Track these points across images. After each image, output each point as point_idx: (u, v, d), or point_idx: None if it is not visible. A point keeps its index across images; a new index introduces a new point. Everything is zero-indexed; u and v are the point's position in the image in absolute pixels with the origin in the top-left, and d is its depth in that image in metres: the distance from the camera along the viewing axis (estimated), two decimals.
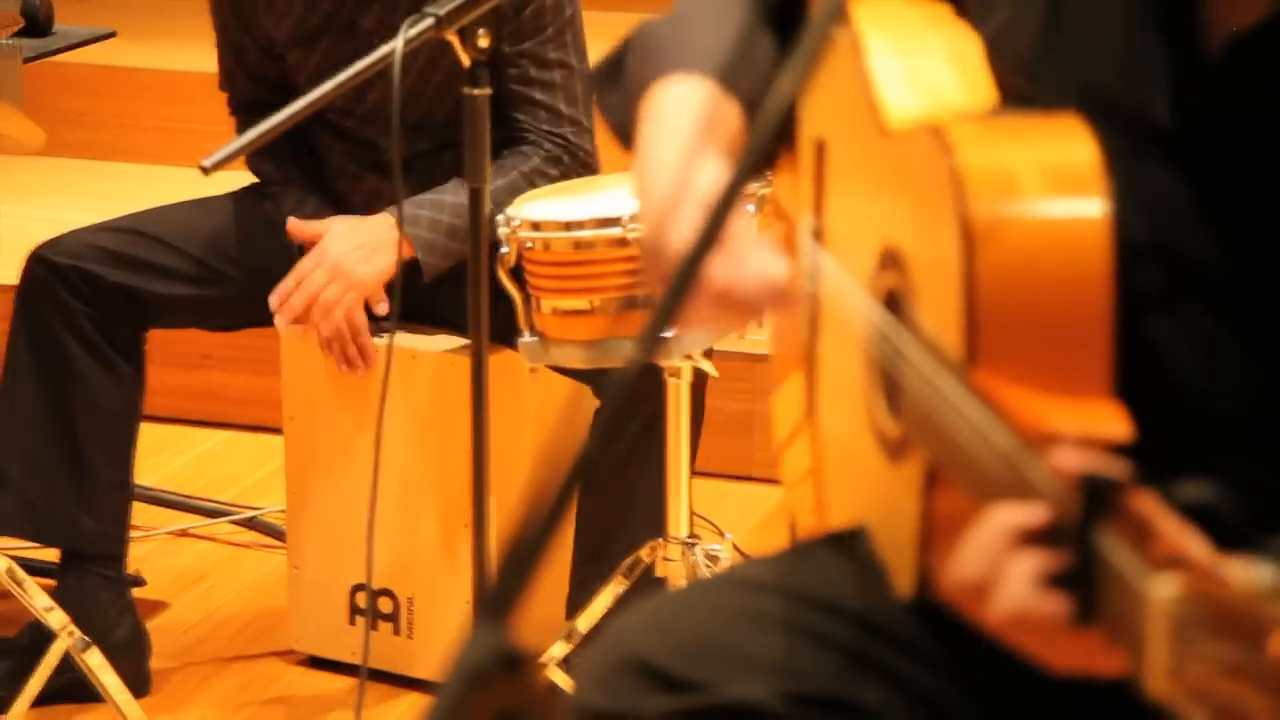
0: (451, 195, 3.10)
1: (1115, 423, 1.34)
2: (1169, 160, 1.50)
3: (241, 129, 3.28)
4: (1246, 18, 1.46)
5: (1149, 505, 1.18)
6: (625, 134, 1.78)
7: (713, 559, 2.93)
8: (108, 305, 3.15)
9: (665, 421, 2.91)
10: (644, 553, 2.94)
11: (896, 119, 1.56)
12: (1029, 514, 1.26)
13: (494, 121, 2.67)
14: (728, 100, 1.71)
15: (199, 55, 4.76)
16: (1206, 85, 1.49)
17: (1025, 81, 1.57)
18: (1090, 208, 1.42)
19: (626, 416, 3.05)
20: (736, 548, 3.10)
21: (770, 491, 3.93)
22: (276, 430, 4.07)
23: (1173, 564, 1.15)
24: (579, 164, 3.18)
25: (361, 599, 3.30)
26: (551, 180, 3.13)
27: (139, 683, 3.20)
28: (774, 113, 1.29)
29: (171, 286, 3.19)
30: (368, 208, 3.19)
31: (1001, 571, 1.26)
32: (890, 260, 1.58)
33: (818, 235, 1.75)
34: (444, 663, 1.17)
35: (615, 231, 2.73)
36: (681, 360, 2.81)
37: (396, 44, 2.56)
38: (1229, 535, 1.16)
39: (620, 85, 1.80)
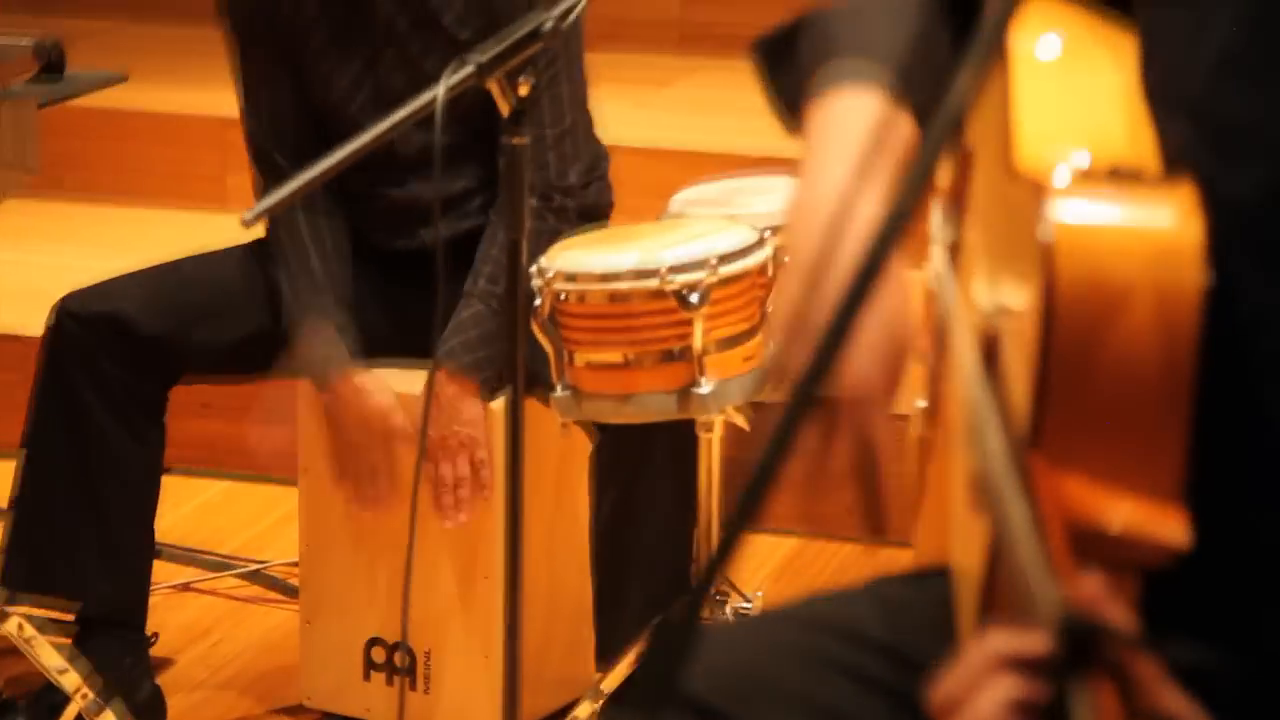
0: (467, 310, 3.05)
1: (1174, 527, 1.30)
2: None
3: (261, 181, 3.22)
4: None
5: (1138, 661, 1.14)
6: (792, 118, 1.70)
7: (743, 615, 2.88)
8: (139, 359, 3.09)
9: (695, 473, 2.87)
10: (676, 609, 2.88)
11: (1026, 155, 1.48)
12: (1020, 642, 1.21)
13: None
14: (899, 112, 1.62)
15: (205, 98, 4.75)
16: None
17: (1184, 119, 1.48)
18: (1183, 294, 1.36)
19: (642, 463, 3.02)
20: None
21: (781, 542, 3.90)
22: (279, 481, 4.06)
23: None
24: (564, 225, 3.12)
25: (378, 654, 3.24)
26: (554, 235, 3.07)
27: None
28: (942, 130, 1.23)
29: (213, 331, 3.13)
30: (387, 220, 3.17)
31: (976, 692, 1.21)
32: (1002, 309, 1.52)
33: (953, 250, 1.70)
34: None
35: (652, 283, 2.69)
36: (718, 414, 2.77)
37: (438, 91, 2.50)
38: (1225, 703, 1.14)
39: (792, 66, 1.71)
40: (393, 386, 3.11)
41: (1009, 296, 1.50)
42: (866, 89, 1.61)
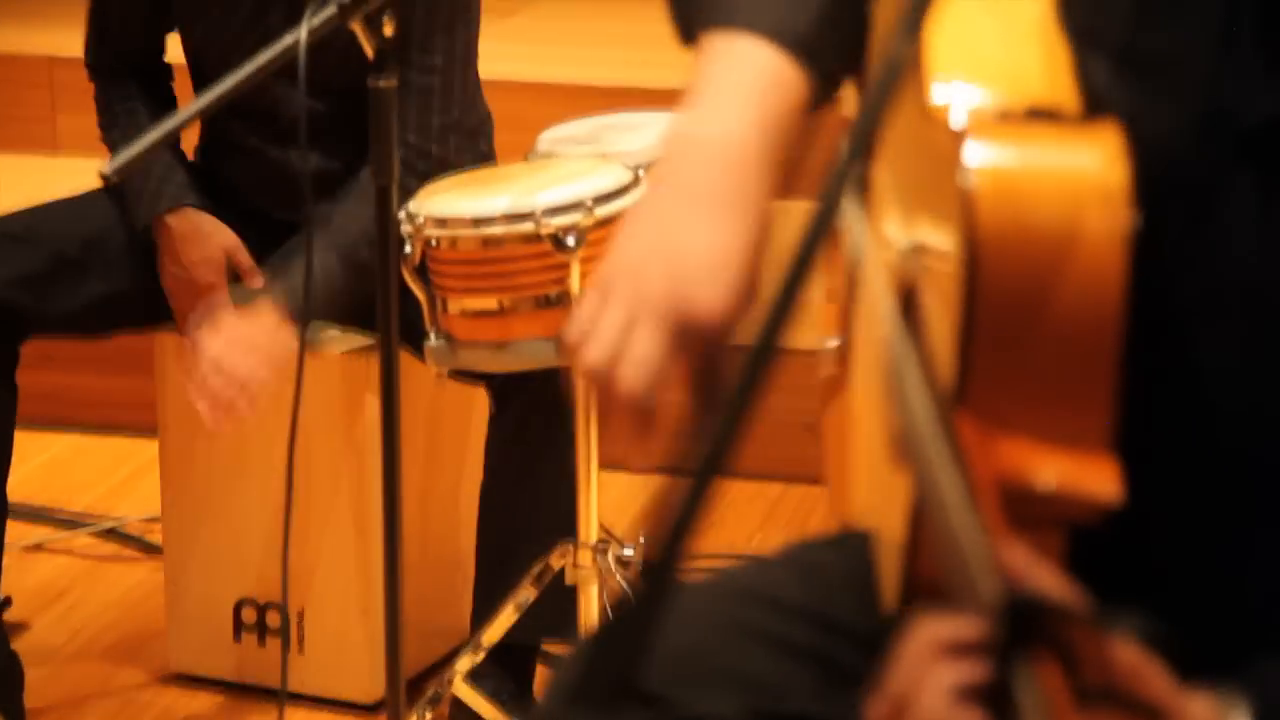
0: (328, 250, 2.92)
1: (1106, 482, 1.28)
2: (1235, 160, 1.40)
3: (101, 93, 3.14)
4: None
5: (1083, 635, 1.12)
6: (688, 33, 1.62)
7: (624, 563, 2.83)
8: None
9: (560, 421, 2.81)
10: (553, 559, 2.82)
11: (940, 95, 1.41)
12: (954, 627, 1.19)
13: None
14: (798, 71, 1.55)
15: (32, 38, 4.59)
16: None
17: (1104, 55, 1.44)
18: (1105, 234, 1.33)
19: (529, 419, 2.94)
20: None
21: (644, 482, 3.84)
22: (128, 433, 3.95)
23: (1095, 700, 1.10)
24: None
25: (248, 614, 3.15)
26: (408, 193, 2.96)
27: (15, 716, 3.03)
28: (885, 86, 1.18)
29: (68, 291, 3.01)
30: (266, 186, 3.07)
31: (919, 689, 1.19)
32: (915, 252, 1.48)
33: (863, 190, 1.64)
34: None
35: (527, 227, 2.60)
36: None
37: (300, 33, 2.41)
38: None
39: None
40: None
41: (927, 234, 1.46)
42: (767, 41, 1.55)
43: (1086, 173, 1.35)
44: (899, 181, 1.56)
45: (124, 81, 3.14)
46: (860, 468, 1.67)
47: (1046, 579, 1.17)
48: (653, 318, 1.46)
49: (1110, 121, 1.37)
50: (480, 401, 3.26)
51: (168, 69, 3.21)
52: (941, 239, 1.41)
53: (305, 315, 2.63)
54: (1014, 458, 1.29)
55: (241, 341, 2.87)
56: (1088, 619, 1.12)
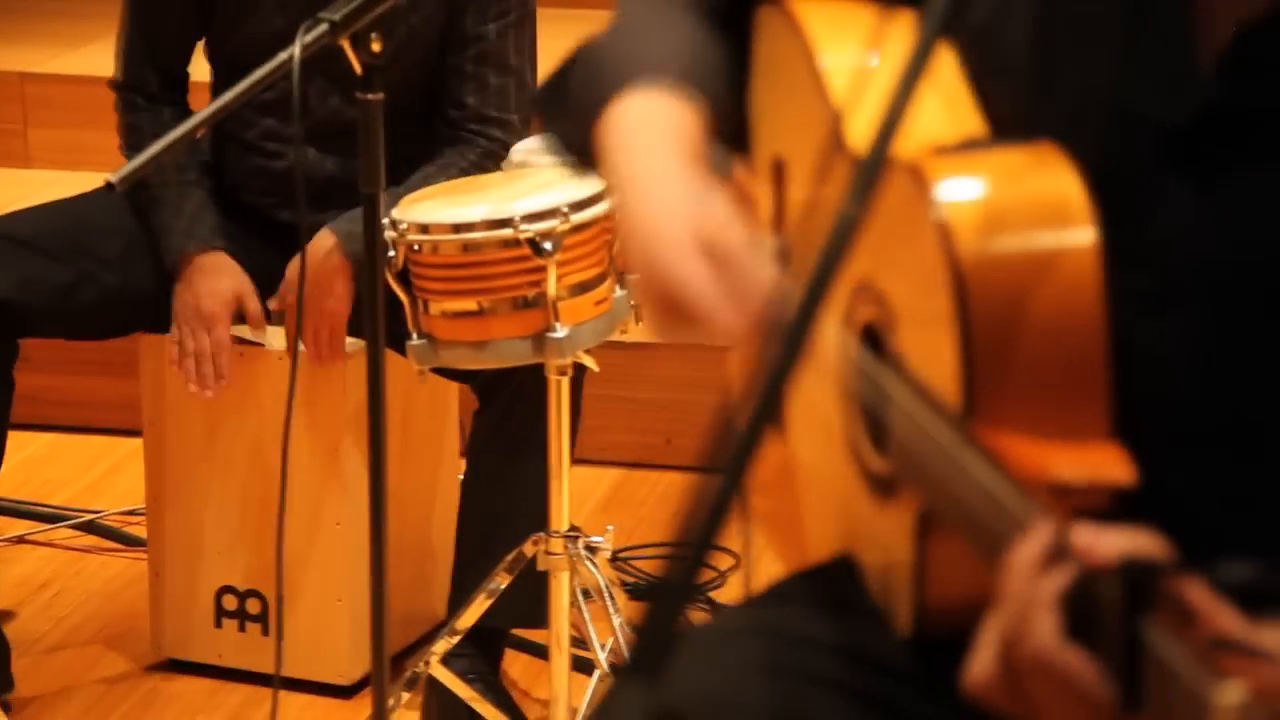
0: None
1: (1119, 467, 1.35)
2: (1167, 157, 1.48)
3: (130, 116, 3.26)
4: (1246, 13, 1.45)
5: (1192, 590, 1.18)
6: (579, 154, 1.72)
7: (593, 550, 2.97)
8: None
9: (547, 416, 2.95)
10: (526, 547, 2.97)
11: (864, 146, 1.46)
12: (1039, 541, 1.26)
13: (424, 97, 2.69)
14: (690, 100, 1.63)
15: (3, 53, 4.69)
16: (1206, 83, 1.47)
17: (1010, 82, 1.54)
18: (1078, 242, 1.41)
19: (513, 413, 3.08)
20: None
21: (602, 473, 4.00)
22: (104, 430, 4.08)
23: (1221, 652, 1.15)
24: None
25: (229, 602, 3.29)
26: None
27: (3, 683, 3.17)
28: (885, 137, 1.28)
29: (45, 298, 3.13)
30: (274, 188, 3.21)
31: (1029, 603, 1.26)
32: (866, 293, 1.55)
33: (782, 257, 1.71)
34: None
35: (506, 233, 2.76)
36: (572, 357, 2.85)
37: (294, 50, 2.54)
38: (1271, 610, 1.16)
39: (566, 104, 1.73)
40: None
41: (885, 280, 1.52)
42: (656, 91, 1.62)
43: (1045, 185, 1.44)
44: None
45: (158, 108, 3.24)
46: (819, 519, 1.70)
47: (1122, 538, 1.23)
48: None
49: (1043, 140, 1.46)
50: (452, 397, 3.42)
51: (186, 92, 3.31)
52: (906, 279, 1.48)
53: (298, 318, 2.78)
54: (1031, 459, 1.35)
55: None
56: (1196, 572, 1.17)
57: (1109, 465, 1.36)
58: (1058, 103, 1.50)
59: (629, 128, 1.62)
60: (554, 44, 1.86)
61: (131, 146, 3.22)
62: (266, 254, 3.20)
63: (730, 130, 1.71)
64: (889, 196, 1.40)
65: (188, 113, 3.27)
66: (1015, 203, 1.44)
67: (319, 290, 3.10)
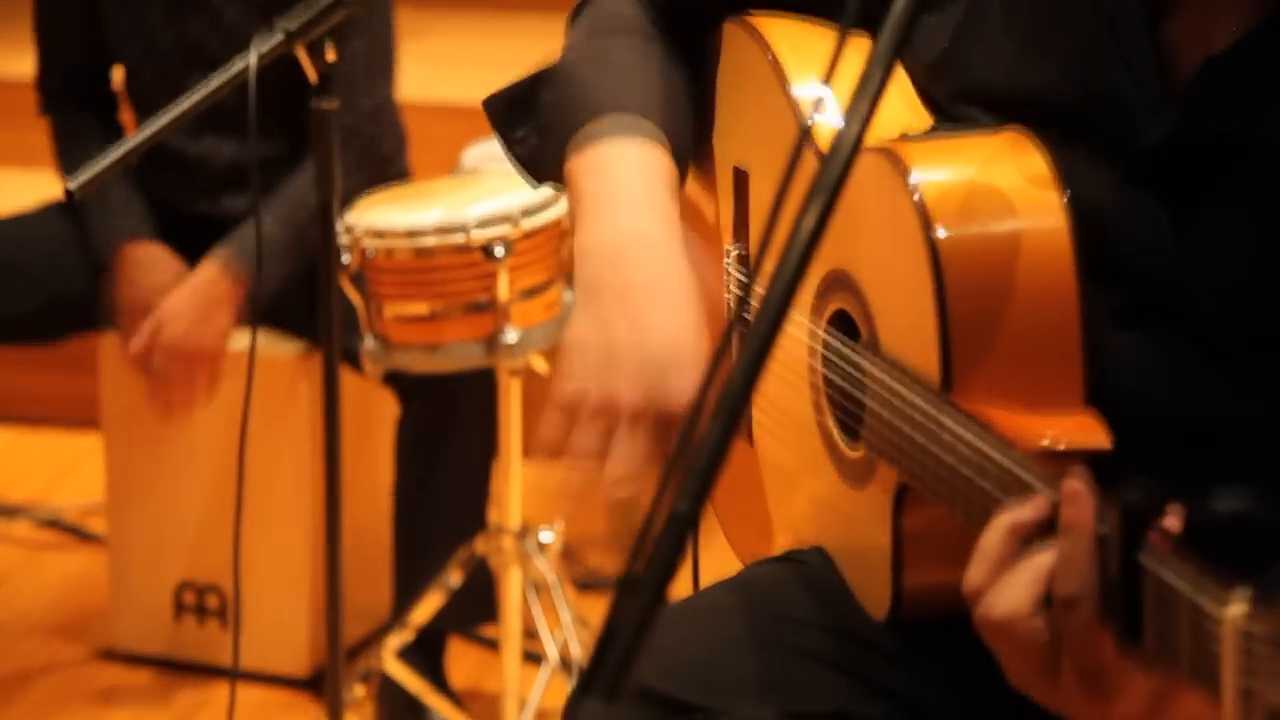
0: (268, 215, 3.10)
1: (1098, 433, 1.41)
2: (1138, 181, 1.50)
3: (56, 127, 3.31)
4: (1220, 41, 1.48)
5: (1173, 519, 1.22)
6: (539, 172, 1.77)
7: (543, 546, 3.04)
8: None
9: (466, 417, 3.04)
10: (478, 544, 3.04)
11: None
12: (1029, 510, 1.30)
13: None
14: (664, 143, 1.66)
15: None
16: (1178, 107, 1.49)
17: (979, 103, 1.58)
18: (1050, 218, 1.46)
19: (432, 420, 3.16)
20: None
21: (536, 469, 4.05)
22: (62, 427, 4.13)
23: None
24: (379, 166, 3.23)
25: (187, 596, 3.36)
26: (357, 184, 3.15)
27: None
28: (839, 167, 1.29)
29: (7, 305, 3.18)
30: (180, 179, 3.24)
31: (1009, 572, 1.30)
32: (837, 283, 1.60)
33: (744, 261, 1.77)
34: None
35: (458, 238, 2.83)
36: (522, 361, 2.92)
37: (250, 59, 2.60)
38: (1268, 542, 1.17)
39: (531, 119, 1.77)
40: None
41: (856, 267, 1.56)
42: (634, 137, 1.64)
43: (1017, 166, 1.49)
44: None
45: (76, 113, 3.29)
46: (788, 515, 1.74)
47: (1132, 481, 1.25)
48: (633, 419, 1.49)
49: (1011, 127, 1.51)
50: (389, 396, 3.48)
51: (114, 98, 3.35)
52: (881, 262, 1.52)
53: (254, 317, 2.84)
54: (1013, 429, 1.37)
55: (186, 314, 3.08)
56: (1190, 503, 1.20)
57: (1087, 432, 1.40)
58: (1029, 124, 1.54)
59: (607, 168, 1.63)
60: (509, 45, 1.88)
61: (60, 154, 3.28)
62: (185, 249, 3.23)
63: (684, 151, 1.73)
64: (859, 184, 1.40)
65: (114, 123, 3.32)
66: (988, 183, 1.49)
67: (195, 328, 3.11)
